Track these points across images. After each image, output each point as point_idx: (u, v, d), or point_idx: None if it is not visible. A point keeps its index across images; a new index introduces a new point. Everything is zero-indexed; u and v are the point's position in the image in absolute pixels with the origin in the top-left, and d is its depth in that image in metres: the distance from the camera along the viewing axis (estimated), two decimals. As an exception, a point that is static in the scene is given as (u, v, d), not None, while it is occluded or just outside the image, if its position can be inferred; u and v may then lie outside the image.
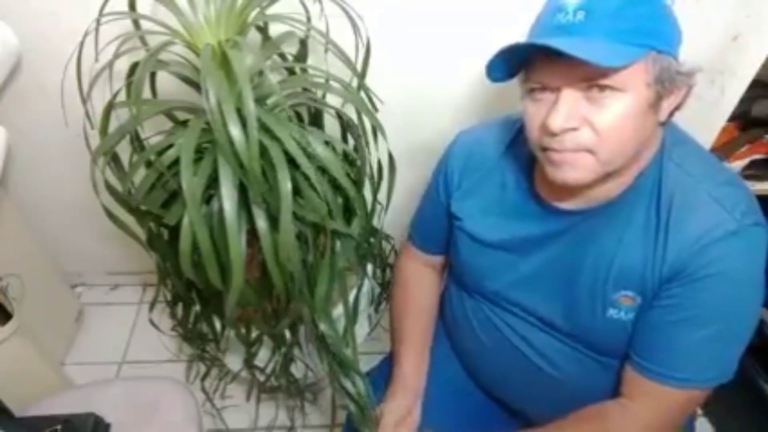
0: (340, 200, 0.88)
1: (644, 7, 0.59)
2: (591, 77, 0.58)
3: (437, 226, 0.89)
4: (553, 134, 0.61)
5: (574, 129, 0.61)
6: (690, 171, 0.67)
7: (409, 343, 0.91)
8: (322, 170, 0.82)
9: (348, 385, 0.90)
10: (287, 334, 0.97)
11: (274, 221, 0.79)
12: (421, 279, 0.97)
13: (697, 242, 0.63)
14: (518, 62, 0.64)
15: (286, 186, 0.71)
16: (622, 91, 0.59)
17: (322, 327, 0.86)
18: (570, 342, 0.76)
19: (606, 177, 0.65)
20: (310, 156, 0.79)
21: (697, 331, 0.65)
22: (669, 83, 0.61)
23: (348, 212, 0.89)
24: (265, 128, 0.72)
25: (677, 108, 0.65)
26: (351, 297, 1.07)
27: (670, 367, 0.67)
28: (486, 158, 0.81)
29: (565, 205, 0.72)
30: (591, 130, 0.61)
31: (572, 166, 0.63)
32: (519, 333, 0.80)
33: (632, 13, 0.58)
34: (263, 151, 0.76)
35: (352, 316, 0.99)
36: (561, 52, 0.56)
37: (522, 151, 0.77)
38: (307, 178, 0.79)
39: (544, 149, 0.65)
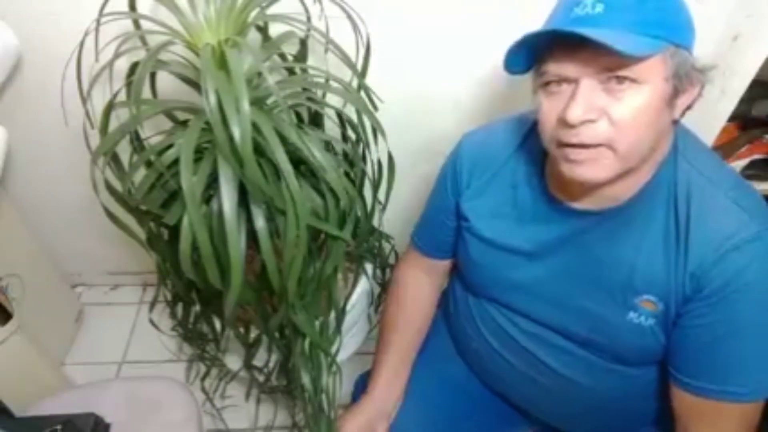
0: (341, 203, 0.88)
1: (662, 1, 0.59)
2: (611, 68, 0.58)
3: (443, 229, 0.88)
4: (571, 127, 0.60)
5: (592, 121, 0.59)
6: (704, 171, 0.66)
7: (389, 362, 0.90)
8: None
9: (306, 381, 0.92)
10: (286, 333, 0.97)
11: (273, 222, 0.80)
12: (416, 290, 0.95)
13: (718, 248, 0.62)
14: (536, 53, 0.63)
15: (295, 188, 0.72)
16: (641, 84, 0.58)
17: (295, 319, 0.87)
18: (582, 345, 0.75)
19: (621, 175, 0.64)
20: (306, 160, 0.79)
21: (741, 343, 0.65)
22: (685, 78, 0.61)
23: (343, 215, 0.89)
24: (258, 130, 0.72)
25: (689, 107, 0.64)
26: (351, 299, 1.07)
27: (724, 382, 0.66)
28: (495, 159, 0.80)
29: (580, 205, 0.71)
30: (609, 123, 0.59)
31: (590, 164, 0.62)
32: (527, 334, 0.80)
33: (651, 6, 0.58)
34: (262, 152, 0.77)
35: (340, 313, 0.99)
36: (581, 42, 0.55)
37: (533, 151, 0.76)
38: (306, 178, 0.79)
39: (561, 145, 0.63)
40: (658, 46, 0.58)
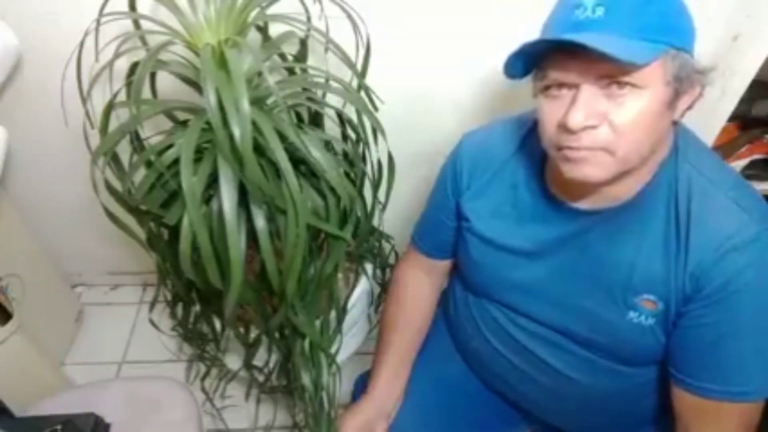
0: (341, 202, 0.88)
1: (663, 4, 0.58)
2: (611, 74, 0.57)
3: (444, 229, 0.88)
4: (572, 132, 0.60)
5: (593, 127, 0.59)
6: (704, 171, 0.66)
7: (389, 362, 0.90)
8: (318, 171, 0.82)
9: (306, 381, 0.93)
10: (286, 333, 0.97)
11: (273, 222, 0.80)
12: (416, 290, 0.95)
13: (718, 248, 0.62)
14: (536, 58, 0.62)
15: (295, 187, 0.71)
16: (642, 88, 0.58)
17: (295, 320, 0.88)
18: (582, 345, 0.75)
19: (621, 175, 0.64)
20: (306, 160, 0.79)
21: (742, 342, 0.65)
22: (686, 81, 0.60)
23: (343, 214, 0.89)
24: (259, 129, 0.72)
25: (689, 108, 0.64)
26: (351, 298, 1.07)
27: (724, 382, 0.66)
28: (495, 159, 0.79)
29: (580, 204, 0.71)
30: (609, 128, 0.59)
31: (589, 164, 0.62)
32: (528, 333, 0.80)
33: (652, 9, 0.57)
34: (262, 152, 0.77)
35: (340, 313, 0.99)
36: (582, 49, 0.55)
37: (534, 151, 0.76)
38: (306, 178, 0.79)
39: (560, 148, 0.63)
40: (658, 50, 0.57)
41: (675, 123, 0.66)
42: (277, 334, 0.96)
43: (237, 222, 0.72)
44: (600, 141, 0.60)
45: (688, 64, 0.60)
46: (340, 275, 1.02)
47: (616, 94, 0.58)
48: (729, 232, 0.62)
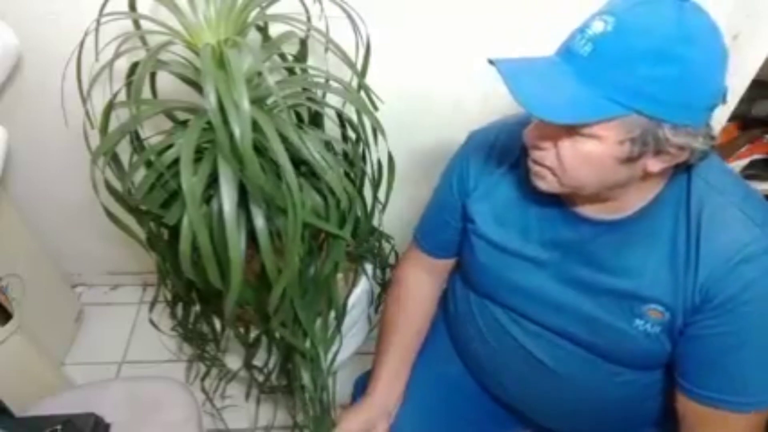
0: (341, 202, 0.88)
1: (662, 69, 0.54)
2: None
3: (447, 229, 0.87)
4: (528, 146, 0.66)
5: (544, 148, 0.64)
6: (715, 185, 0.66)
7: (389, 363, 0.90)
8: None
9: (307, 381, 0.93)
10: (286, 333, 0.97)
11: (273, 222, 0.80)
12: (417, 290, 0.95)
13: (729, 260, 0.62)
14: None
15: (295, 187, 0.72)
16: (592, 138, 0.59)
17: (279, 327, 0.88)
18: (585, 348, 0.75)
19: (599, 195, 0.66)
20: (306, 160, 0.79)
21: (750, 353, 0.65)
22: (655, 146, 0.58)
23: (343, 214, 0.89)
24: (259, 129, 0.72)
25: (682, 164, 0.62)
26: (351, 299, 1.07)
27: (732, 392, 0.66)
28: (502, 162, 0.79)
29: (588, 212, 0.71)
30: (555, 156, 0.63)
31: (540, 177, 0.67)
32: (529, 333, 0.79)
33: (640, 71, 0.55)
34: (262, 152, 0.77)
35: (341, 314, 0.99)
36: None
37: None
38: (306, 178, 0.79)
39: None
40: (612, 111, 0.56)
41: (683, 165, 0.63)
42: (277, 334, 0.96)
43: (237, 222, 0.72)
44: (546, 161, 0.65)
45: (659, 132, 0.57)
46: (340, 275, 1.01)
47: (573, 129, 0.59)
48: (740, 244, 0.62)
